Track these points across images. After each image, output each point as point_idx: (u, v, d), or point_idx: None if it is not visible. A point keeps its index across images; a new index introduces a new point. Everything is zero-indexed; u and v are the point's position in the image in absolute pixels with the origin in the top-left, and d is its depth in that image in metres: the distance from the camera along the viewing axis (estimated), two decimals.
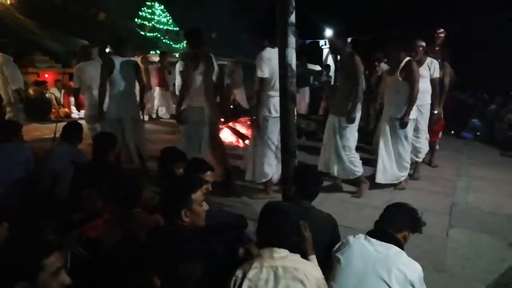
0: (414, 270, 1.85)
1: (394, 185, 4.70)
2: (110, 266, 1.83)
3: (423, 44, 4.82)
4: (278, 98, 3.53)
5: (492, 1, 10.41)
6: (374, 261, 1.86)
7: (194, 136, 4.32)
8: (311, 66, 12.16)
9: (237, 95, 8.72)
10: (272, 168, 4.19)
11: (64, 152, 3.43)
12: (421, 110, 4.88)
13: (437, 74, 4.99)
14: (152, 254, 1.67)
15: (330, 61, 13.72)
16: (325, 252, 2.10)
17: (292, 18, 2.85)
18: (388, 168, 4.56)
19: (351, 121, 4.20)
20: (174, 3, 14.55)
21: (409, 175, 4.90)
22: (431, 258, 3.09)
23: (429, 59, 4.96)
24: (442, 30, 5.89)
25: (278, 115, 3.50)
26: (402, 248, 1.94)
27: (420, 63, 4.82)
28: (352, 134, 4.32)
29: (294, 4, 2.85)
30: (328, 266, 1.95)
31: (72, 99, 9.01)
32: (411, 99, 4.34)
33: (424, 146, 5.10)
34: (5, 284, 1.24)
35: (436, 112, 5.12)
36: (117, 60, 4.53)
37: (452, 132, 8.59)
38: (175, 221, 1.91)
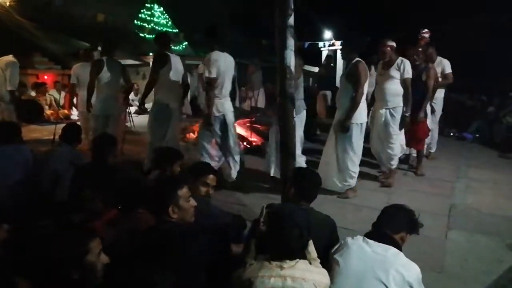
0: (412, 271, 1.86)
1: (396, 185, 4.74)
2: (111, 267, 1.83)
3: (392, 44, 4.61)
4: (221, 100, 4.25)
5: (491, 2, 10.45)
6: (372, 262, 1.87)
7: (158, 130, 4.66)
8: (310, 68, 12.18)
9: (255, 96, 8.74)
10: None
11: (63, 153, 3.43)
12: (393, 114, 4.66)
13: (407, 75, 4.58)
14: (147, 253, 1.68)
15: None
16: (324, 254, 2.10)
17: (291, 20, 2.86)
18: (326, 175, 4.24)
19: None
20: (174, 5, 14.57)
21: (381, 182, 4.90)
22: (430, 259, 3.10)
23: (399, 59, 4.62)
24: (426, 30, 5.70)
25: (220, 114, 4.24)
26: (400, 249, 1.95)
27: (390, 64, 4.62)
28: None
29: (292, 7, 2.87)
30: (327, 268, 1.95)
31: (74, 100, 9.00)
32: (353, 102, 4.11)
33: (397, 152, 4.81)
34: (60, 270, 1.42)
35: (407, 114, 4.67)
36: (105, 61, 4.95)
37: (451, 133, 8.62)
38: (164, 218, 1.96)
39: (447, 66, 5.77)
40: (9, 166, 3.21)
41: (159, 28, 14.06)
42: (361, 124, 4.26)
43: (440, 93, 5.81)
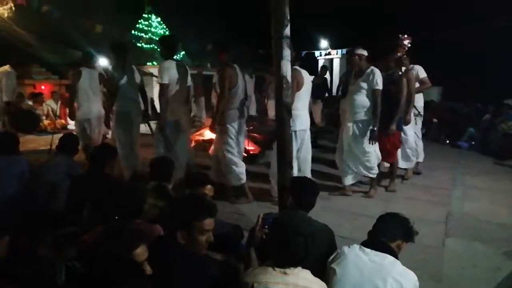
0: (409, 279, 1.86)
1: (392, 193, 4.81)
2: (105, 279, 1.82)
3: (361, 52, 4.43)
4: (175, 103, 4.46)
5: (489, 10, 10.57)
6: (369, 271, 1.87)
7: (124, 138, 4.88)
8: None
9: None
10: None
11: (60, 164, 3.42)
12: (361, 127, 4.50)
13: (376, 86, 4.34)
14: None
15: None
16: (322, 263, 2.10)
17: (287, 30, 2.90)
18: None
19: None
20: (171, 15, 14.67)
21: (364, 192, 4.87)
22: (427, 267, 3.10)
23: (370, 69, 4.40)
24: (406, 36, 5.34)
25: (174, 119, 4.48)
26: (397, 258, 1.95)
27: (360, 74, 4.47)
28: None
29: (289, 17, 2.90)
30: (324, 277, 1.95)
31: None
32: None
33: (374, 162, 4.64)
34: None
35: (374, 128, 4.41)
36: (84, 71, 5.25)
37: (447, 141, 8.66)
38: (173, 239, 1.90)
39: (421, 71, 5.53)
40: (5, 178, 3.20)
41: (156, 38, 14.12)
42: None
43: (419, 101, 5.57)
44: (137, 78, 5.02)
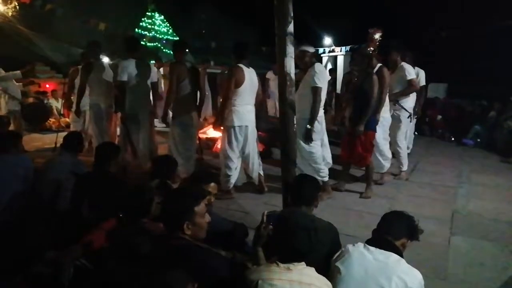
0: (414, 277, 1.85)
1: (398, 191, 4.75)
2: (114, 277, 1.82)
3: (305, 49, 4.25)
4: (133, 99, 4.75)
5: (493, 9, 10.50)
6: (374, 269, 1.86)
7: (96, 128, 5.38)
8: None
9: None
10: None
11: (64, 162, 3.42)
12: (297, 125, 4.05)
13: (314, 84, 4.16)
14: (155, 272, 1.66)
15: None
16: (326, 261, 2.09)
17: (291, 27, 2.88)
18: None
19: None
20: (174, 13, 14.67)
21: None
22: (433, 266, 3.08)
23: (312, 66, 4.27)
24: (375, 29, 4.91)
25: (135, 112, 4.76)
26: (401, 256, 1.93)
27: (305, 71, 4.31)
28: None
29: (292, 14, 2.88)
30: (329, 275, 1.93)
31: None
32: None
33: (319, 163, 4.42)
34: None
35: (310, 127, 4.21)
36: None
37: (453, 139, 8.60)
38: (176, 234, 1.90)
39: (408, 72, 5.14)
40: (10, 176, 3.20)
41: (160, 36, 14.15)
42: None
43: (407, 102, 5.36)
44: (108, 72, 5.32)
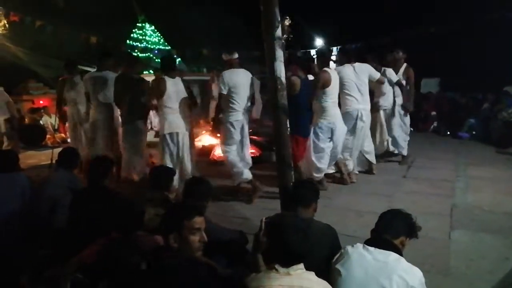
0: (414, 275, 1.84)
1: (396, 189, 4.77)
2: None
3: (223, 57, 4.59)
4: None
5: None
6: (374, 270, 1.85)
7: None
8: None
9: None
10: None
11: (60, 178, 3.41)
12: None
13: (220, 90, 4.52)
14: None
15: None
16: (326, 264, 2.08)
17: (278, 32, 2.89)
18: None
19: None
20: (165, 23, 14.68)
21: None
22: (435, 261, 3.08)
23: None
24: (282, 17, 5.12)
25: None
26: (401, 254, 1.93)
27: None
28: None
29: (279, 18, 2.89)
30: (329, 278, 1.93)
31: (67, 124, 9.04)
32: None
33: (234, 169, 4.66)
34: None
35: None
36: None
37: (448, 133, 8.64)
38: (168, 243, 1.89)
39: (373, 72, 5.33)
40: (6, 195, 3.19)
41: (152, 47, 14.15)
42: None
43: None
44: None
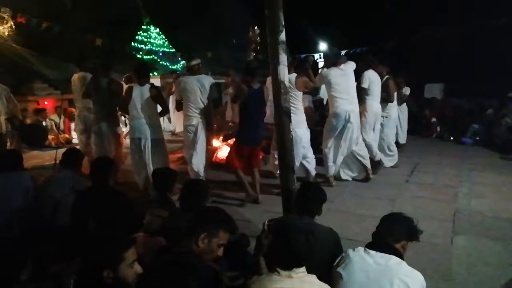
0: (415, 279, 1.84)
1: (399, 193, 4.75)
2: None
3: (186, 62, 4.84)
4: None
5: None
6: (375, 273, 1.85)
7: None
8: None
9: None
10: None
11: (64, 179, 3.43)
12: None
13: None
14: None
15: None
16: (328, 268, 2.08)
17: (282, 36, 2.90)
18: None
19: None
20: (169, 25, 14.76)
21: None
22: (437, 266, 3.07)
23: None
24: (250, 27, 4.89)
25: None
26: (402, 258, 1.93)
27: None
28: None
29: (283, 23, 2.91)
30: (330, 282, 1.93)
31: (72, 125, 9.10)
32: None
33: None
34: (94, 271, 1.57)
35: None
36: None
37: (452, 138, 8.61)
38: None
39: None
40: (10, 194, 3.22)
41: (156, 49, 14.23)
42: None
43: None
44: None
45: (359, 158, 5.36)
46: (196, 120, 4.65)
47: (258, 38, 4.88)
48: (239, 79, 4.70)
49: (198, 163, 4.74)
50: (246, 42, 4.91)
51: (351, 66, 5.17)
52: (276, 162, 4.85)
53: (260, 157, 6.18)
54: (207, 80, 4.68)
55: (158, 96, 4.68)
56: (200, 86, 4.60)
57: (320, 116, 7.84)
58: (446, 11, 13.02)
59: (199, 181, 2.95)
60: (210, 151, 5.54)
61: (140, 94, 4.63)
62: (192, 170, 4.76)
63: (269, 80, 5.33)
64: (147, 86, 4.67)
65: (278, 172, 4.74)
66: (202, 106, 4.64)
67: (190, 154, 4.76)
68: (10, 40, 8.87)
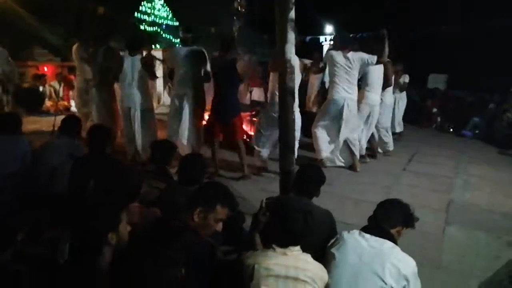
0: (407, 264, 1.87)
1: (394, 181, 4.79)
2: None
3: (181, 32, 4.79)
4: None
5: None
6: (368, 256, 1.87)
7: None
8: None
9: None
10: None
11: (62, 145, 3.39)
12: None
13: None
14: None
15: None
16: (323, 249, 2.10)
17: (292, 14, 2.84)
18: None
19: None
20: None
21: None
22: (428, 254, 3.11)
23: None
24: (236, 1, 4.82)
25: None
26: (396, 243, 1.95)
27: None
28: None
29: (293, 0, 2.84)
30: (323, 262, 1.95)
31: (71, 92, 9.01)
32: None
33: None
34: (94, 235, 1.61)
35: None
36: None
37: (451, 130, 8.61)
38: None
39: (367, 57, 5.13)
40: (7, 157, 3.19)
41: (160, 21, 13.97)
42: None
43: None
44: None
45: (351, 146, 5.29)
46: (183, 90, 4.61)
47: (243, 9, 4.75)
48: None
49: (184, 132, 4.67)
50: (231, 14, 4.81)
51: (358, 57, 5.01)
52: (261, 153, 5.01)
53: (244, 127, 6.12)
54: (198, 51, 4.61)
55: (146, 63, 4.67)
56: (190, 56, 4.56)
57: (323, 99, 7.77)
58: (453, 6, 12.77)
59: (198, 156, 2.94)
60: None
61: (131, 64, 4.69)
62: (182, 144, 4.67)
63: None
64: (138, 57, 4.69)
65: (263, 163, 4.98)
66: (190, 76, 4.60)
67: (173, 128, 4.72)
68: (13, 3, 8.68)
